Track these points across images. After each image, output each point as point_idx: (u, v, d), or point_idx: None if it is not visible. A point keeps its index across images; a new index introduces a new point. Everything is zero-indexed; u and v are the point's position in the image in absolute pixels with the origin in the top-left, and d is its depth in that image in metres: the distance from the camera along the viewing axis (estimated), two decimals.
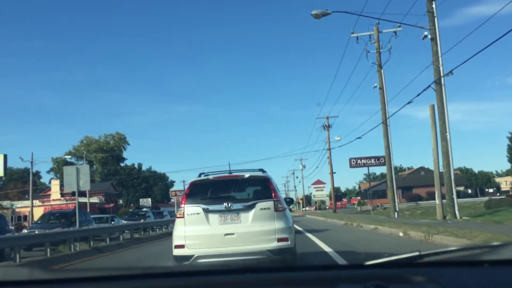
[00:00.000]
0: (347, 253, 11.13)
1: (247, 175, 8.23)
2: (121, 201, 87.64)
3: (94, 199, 76.02)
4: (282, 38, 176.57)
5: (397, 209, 28.65)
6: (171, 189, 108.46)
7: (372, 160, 54.48)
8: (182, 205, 7.78)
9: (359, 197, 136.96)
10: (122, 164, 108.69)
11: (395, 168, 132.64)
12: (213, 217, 7.58)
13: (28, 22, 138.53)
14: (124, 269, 2.49)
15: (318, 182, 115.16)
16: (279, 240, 7.50)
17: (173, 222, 8.97)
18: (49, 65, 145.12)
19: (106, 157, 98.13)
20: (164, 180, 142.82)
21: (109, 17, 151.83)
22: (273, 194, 7.78)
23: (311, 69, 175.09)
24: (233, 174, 8.36)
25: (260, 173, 8.46)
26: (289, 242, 7.58)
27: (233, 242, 7.40)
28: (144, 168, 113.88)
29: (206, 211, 7.58)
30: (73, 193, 75.04)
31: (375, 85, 29.28)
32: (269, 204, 7.65)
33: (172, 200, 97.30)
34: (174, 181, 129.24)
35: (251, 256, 7.06)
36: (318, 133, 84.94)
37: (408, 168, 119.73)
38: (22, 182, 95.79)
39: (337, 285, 1.60)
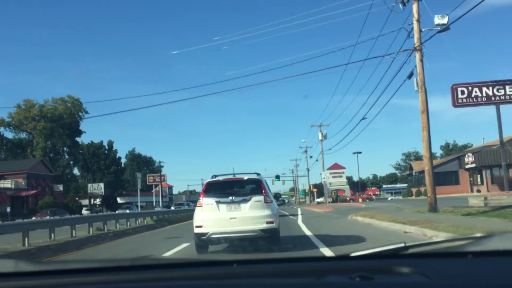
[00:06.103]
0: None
1: (246, 177, 11.98)
2: (60, 187, 60.77)
3: (7, 184, 49.15)
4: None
5: None
6: (149, 174, 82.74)
7: (508, 88, 22.86)
8: (201, 198, 11.29)
9: (374, 188, 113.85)
10: (79, 140, 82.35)
11: (464, 146, 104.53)
12: (222, 206, 11.05)
13: (35, 10, 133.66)
14: (111, 261, 2.70)
15: (336, 166, 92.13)
16: (267, 222, 10.97)
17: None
18: (55, 54, 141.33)
19: (51, 128, 71.01)
20: (150, 165, 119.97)
21: (115, 5, 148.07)
22: (263, 191, 11.29)
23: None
24: (236, 176, 12.12)
25: (255, 176, 12.01)
26: (274, 224, 11.09)
27: (236, 223, 10.84)
28: (126, 150, 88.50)
29: (218, 202, 11.06)
30: None
31: None
32: (261, 198, 11.14)
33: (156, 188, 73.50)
34: (163, 166, 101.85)
35: (248, 233, 10.80)
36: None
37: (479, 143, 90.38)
38: None
39: (323, 277, 1.63)
